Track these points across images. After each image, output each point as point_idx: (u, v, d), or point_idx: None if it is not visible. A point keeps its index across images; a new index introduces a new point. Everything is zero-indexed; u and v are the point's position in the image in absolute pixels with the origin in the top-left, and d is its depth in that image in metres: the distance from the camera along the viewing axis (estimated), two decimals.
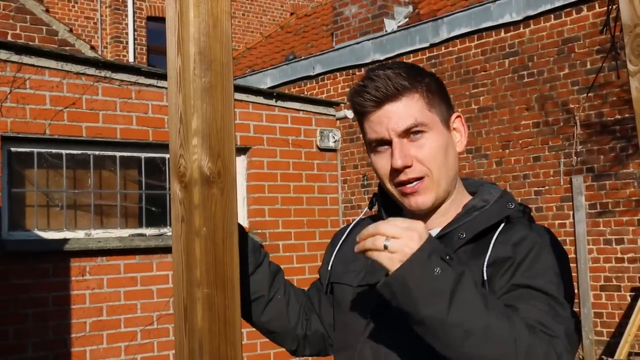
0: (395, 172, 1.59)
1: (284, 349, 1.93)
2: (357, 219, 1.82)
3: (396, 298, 1.36)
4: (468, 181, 1.74)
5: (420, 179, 1.59)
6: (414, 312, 1.35)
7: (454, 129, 1.66)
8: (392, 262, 1.36)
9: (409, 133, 1.58)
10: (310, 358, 6.42)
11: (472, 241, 1.56)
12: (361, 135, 1.71)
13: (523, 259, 1.51)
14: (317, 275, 1.88)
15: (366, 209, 1.81)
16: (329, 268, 1.77)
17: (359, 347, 1.61)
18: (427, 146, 1.58)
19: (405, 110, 1.58)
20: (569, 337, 1.45)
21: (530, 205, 1.64)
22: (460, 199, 1.67)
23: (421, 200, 1.60)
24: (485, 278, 1.50)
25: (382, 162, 1.61)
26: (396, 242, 1.36)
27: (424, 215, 1.63)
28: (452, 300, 1.33)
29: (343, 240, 1.79)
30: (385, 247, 1.36)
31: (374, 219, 1.75)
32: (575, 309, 1.54)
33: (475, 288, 1.37)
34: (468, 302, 1.34)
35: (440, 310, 1.33)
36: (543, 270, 1.50)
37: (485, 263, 1.51)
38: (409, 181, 1.59)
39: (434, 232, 1.60)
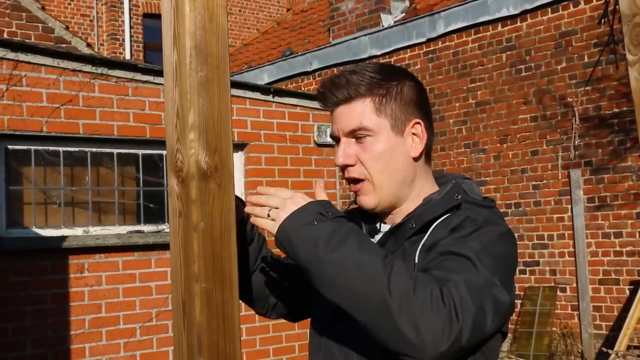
0: (341, 168, 1.70)
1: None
2: (345, 209, 1.89)
3: (285, 250, 1.52)
4: (445, 178, 1.79)
5: (359, 180, 1.68)
6: (296, 257, 1.50)
7: (414, 134, 1.70)
8: (274, 227, 1.54)
9: (355, 135, 1.67)
10: None
11: (421, 231, 1.63)
12: None
13: (453, 234, 1.56)
14: None
15: (350, 203, 1.87)
16: None
17: (323, 347, 1.71)
18: (368, 149, 1.67)
19: (352, 113, 1.67)
20: (470, 290, 1.42)
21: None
22: (424, 195, 1.72)
23: (364, 201, 1.70)
24: (417, 261, 1.57)
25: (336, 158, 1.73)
26: (276, 211, 1.55)
27: (381, 213, 1.73)
28: (327, 244, 1.45)
29: None
30: (268, 216, 1.57)
31: (352, 213, 1.83)
32: (502, 292, 1.49)
33: (355, 234, 1.48)
34: (343, 244, 1.45)
35: (316, 252, 1.46)
36: (469, 240, 1.53)
37: (419, 248, 1.59)
38: (351, 180, 1.70)
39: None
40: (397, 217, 1.71)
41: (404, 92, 1.70)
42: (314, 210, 1.52)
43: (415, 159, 1.70)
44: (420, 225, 1.63)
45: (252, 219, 1.62)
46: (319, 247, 1.46)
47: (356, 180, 1.69)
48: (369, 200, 1.69)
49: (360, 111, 1.66)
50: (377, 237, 1.73)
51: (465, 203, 1.65)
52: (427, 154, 1.73)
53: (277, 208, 1.56)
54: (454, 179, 1.75)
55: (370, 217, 1.78)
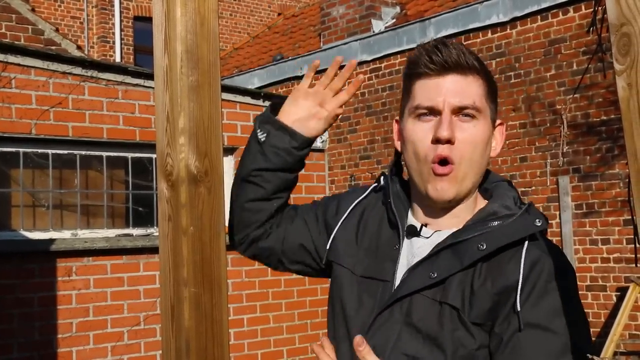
0: (437, 142, 1.49)
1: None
2: (366, 192, 1.74)
3: None
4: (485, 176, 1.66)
5: (448, 164, 1.49)
6: None
7: (493, 134, 1.60)
8: None
9: (460, 113, 1.51)
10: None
11: (489, 255, 1.47)
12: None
13: (532, 291, 1.43)
14: None
15: (372, 186, 1.74)
16: (328, 246, 1.70)
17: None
18: (471, 132, 1.51)
19: (467, 88, 1.51)
20: None
21: (544, 216, 1.58)
22: (474, 200, 1.59)
23: (446, 187, 1.50)
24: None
25: (424, 132, 1.51)
26: None
27: (437, 211, 1.56)
28: None
29: (347, 215, 1.71)
30: None
31: (367, 203, 1.72)
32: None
33: None
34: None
35: None
36: (554, 307, 1.43)
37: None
38: (446, 160, 1.49)
39: (444, 234, 1.53)
40: (446, 222, 1.56)
41: (496, 90, 1.60)
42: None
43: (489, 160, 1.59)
44: (492, 250, 1.46)
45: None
46: None
47: (445, 162, 1.49)
48: (451, 188, 1.50)
49: (474, 89, 1.51)
50: (417, 240, 1.57)
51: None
52: None
53: None
54: (495, 181, 1.63)
55: (404, 210, 1.62)
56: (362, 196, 1.73)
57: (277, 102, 1.75)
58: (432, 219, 1.57)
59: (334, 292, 1.67)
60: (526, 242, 1.47)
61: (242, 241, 1.78)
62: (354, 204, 1.72)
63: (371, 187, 1.74)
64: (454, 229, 1.54)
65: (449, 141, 1.48)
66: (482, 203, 1.59)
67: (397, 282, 1.54)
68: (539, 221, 1.49)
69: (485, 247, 1.46)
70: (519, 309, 1.41)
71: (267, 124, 1.71)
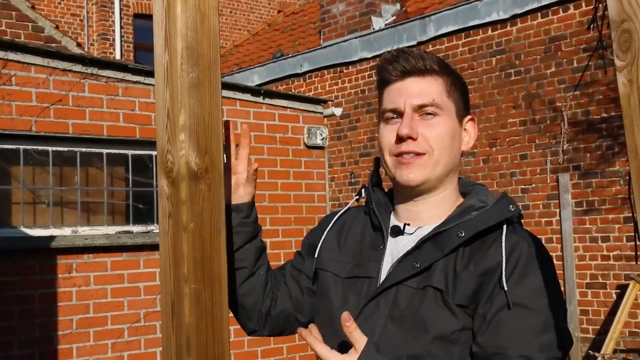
0: (399, 140, 1.60)
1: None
2: (346, 207, 1.83)
3: None
4: (459, 181, 1.75)
5: (420, 154, 1.60)
6: None
7: (465, 129, 1.69)
8: None
9: (422, 111, 1.61)
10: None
11: (469, 241, 1.56)
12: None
13: (513, 271, 1.51)
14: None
15: (354, 199, 1.82)
16: (316, 255, 1.77)
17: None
18: (435, 128, 1.61)
19: (426, 88, 1.62)
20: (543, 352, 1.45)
21: (517, 203, 1.65)
22: (455, 197, 1.68)
23: (413, 175, 1.60)
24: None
25: (390, 133, 1.62)
26: None
27: (418, 205, 1.64)
28: None
29: (330, 228, 1.79)
30: None
31: (363, 208, 1.79)
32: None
33: None
34: None
35: None
36: (535, 287, 1.50)
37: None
38: (409, 152, 1.60)
39: (427, 230, 1.61)
40: (427, 214, 1.64)
41: (463, 87, 1.70)
42: None
43: (461, 154, 1.69)
44: (470, 235, 1.55)
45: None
46: None
47: (413, 153, 1.60)
48: (419, 174, 1.59)
49: (433, 88, 1.62)
50: (402, 238, 1.65)
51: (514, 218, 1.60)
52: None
53: None
54: (472, 184, 1.72)
55: (386, 215, 1.69)
56: (342, 211, 1.82)
57: None
58: (414, 217, 1.66)
59: (320, 294, 1.74)
60: (504, 228, 1.56)
61: (258, 322, 1.82)
62: (334, 219, 1.81)
63: (350, 202, 1.83)
64: (437, 224, 1.62)
65: (410, 137, 1.59)
66: (461, 201, 1.69)
67: (383, 277, 1.61)
68: (512, 207, 1.59)
69: (464, 234, 1.55)
70: (505, 287, 1.48)
71: None
